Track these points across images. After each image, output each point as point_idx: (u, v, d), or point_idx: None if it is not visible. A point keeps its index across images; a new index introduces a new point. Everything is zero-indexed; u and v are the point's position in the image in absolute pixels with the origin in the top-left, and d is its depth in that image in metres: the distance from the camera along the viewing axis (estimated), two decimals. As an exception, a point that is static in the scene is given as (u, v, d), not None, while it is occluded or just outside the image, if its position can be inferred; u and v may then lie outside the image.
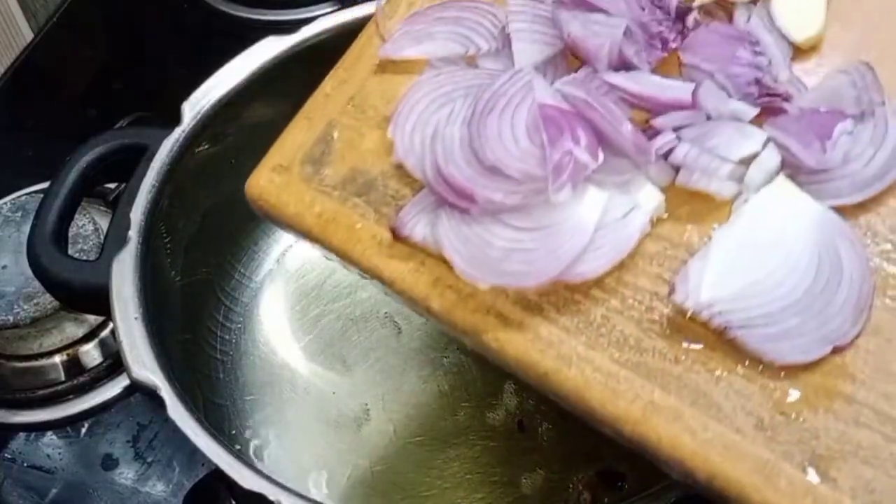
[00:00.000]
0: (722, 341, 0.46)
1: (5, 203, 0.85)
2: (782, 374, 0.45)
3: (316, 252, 0.82)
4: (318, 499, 0.59)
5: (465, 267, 0.48)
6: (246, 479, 0.54)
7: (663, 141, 0.49)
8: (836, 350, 0.45)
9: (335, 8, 0.78)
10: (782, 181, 0.48)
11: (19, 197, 0.85)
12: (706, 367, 0.45)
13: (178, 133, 0.69)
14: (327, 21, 0.75)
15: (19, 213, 0.83)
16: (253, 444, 0.72)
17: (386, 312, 0.79)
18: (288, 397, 0.75)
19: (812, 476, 0.43)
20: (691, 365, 0.46)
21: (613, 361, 0.46)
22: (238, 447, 0.71)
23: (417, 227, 0.50)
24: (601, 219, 0.48)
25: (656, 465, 0.47)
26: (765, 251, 0.47)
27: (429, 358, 0.76)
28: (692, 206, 0.49)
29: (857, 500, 0.42)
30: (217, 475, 0.55)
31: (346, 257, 0.53)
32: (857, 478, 0.42)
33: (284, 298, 0.80)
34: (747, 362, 0.45)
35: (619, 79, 0.51)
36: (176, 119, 0.70)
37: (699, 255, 0.47)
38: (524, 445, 0.71)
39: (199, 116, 0.71)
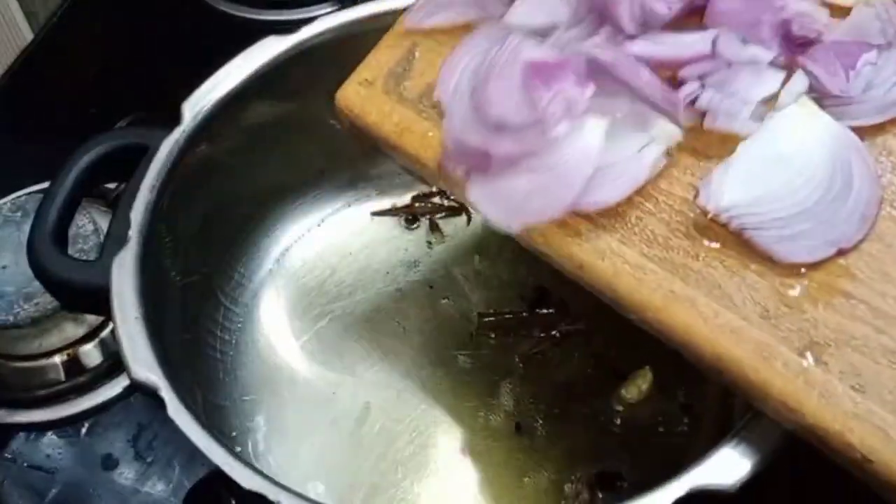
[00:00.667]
0: (738, 242, 0.51)
1: (5, 203, 0.85)
2: (790, 271, 0.50)
3: (316, 252, 0.83)
4: (318, 499, 0.59)
5: (497, 219, 0.54)
6: (246, 479, 0.54)
7: (689, 90, 0.54)
8: (841, 252, 0.50)
9: (335, 8, 0.78)
10: (805, 101, 0.53)
11: (19, 197, 0.85)
12: (723, 264, 0.51)
13: (178, 133, 0.69)
14: (327, 21, 0.75)
15: (19, 213, 0.83)
16: (253, 443, 0.72)
17: (387, 312, 0.79)
18: (288, 397, 0.75)
19: (807, 360, 0.48)
20: (710, 261, 0.51)
21: (642, 255, 0.52)
22: (238, 448, 0.71)
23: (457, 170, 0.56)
24: (618, 152, 0.53)
25: (672, 348, 0.52)
26: (783, 163, 0.52)
27: (429, 359, 0.76)
28: None
29: (844, 381, 0.47)
30: (217, 475, 0.55)
31: (416, 162, 0.59)
32: (847, 363, 0.47)
33: (284, 298, 0.80)
34: (759, 261, 0.51)
35: (640, 46, 0.56)
36: (176, 119, 0.70)
37: (723, 164, 0.53)
38: (524, 446, 0.71)
39: (199, 116, 0.71)
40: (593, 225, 0.54)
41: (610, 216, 0.54)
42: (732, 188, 0.51)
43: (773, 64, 0.55)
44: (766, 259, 0.50)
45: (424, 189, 0.84)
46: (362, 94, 0.62)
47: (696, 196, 0.52)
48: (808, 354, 0.48)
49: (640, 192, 0.54)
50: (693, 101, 0.54)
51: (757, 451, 0.53)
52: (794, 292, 0.50)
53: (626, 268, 0.52)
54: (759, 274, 0.50)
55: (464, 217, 0.84)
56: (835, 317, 0.49)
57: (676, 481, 0.52)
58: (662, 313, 0.51)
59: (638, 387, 0.73)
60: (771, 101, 0.54)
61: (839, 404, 0.47)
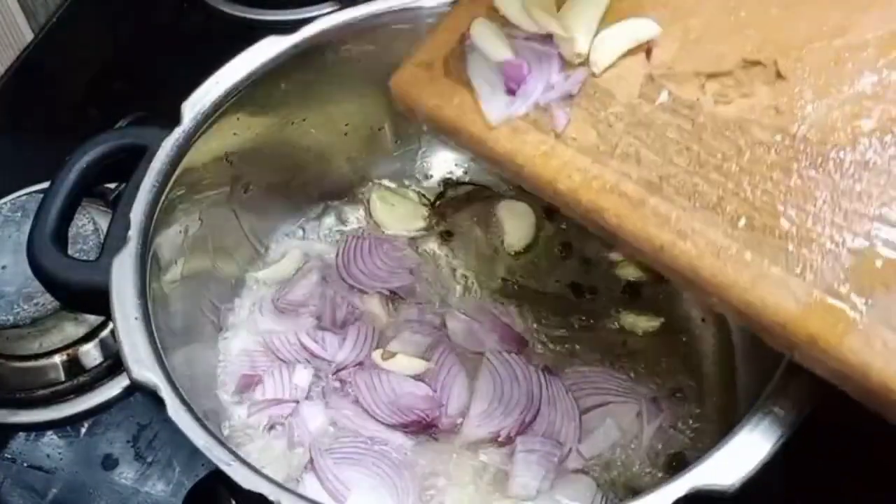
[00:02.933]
0: (832, 219, 0.50)
1: (5, 203, 0.85)
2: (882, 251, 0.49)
3: (315, 253, 0.82)
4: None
5: None
6: (246, 479, 0.54)
7: None
8: None
9: (335, 8, 0.78)
10: None
11: (19, 197, 0.85)
12: (817, 243, 0.50)
13: (178, 133, 0.69)
14: (327, 21, 0.75)
15: (19, 213, 0.83)
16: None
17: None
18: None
19: None
20: (803, 241, 0.50)
21: (726, 236, 0.51)
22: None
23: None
24: None
25: (754, 331, 0.51)
26: None
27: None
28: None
29: None
30: (217, 475, 0.55)
31: (480, 144, 0.58)
32: None
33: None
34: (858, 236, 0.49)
35: None
36: (176, 119, 0.70)
37: None
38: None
39: (199, 116, 0.70)
40: (673, 205, 0.53)
41: (690, 196, 0.53)
42: None
43: None
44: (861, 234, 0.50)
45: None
46: (421, 78, 0.61)
47: None
48: None
49: (721, 171, 0.53)
50: None
51: (756, 452, 0.53)
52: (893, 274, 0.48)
53: (710, 248, 0.51)
54: (854, 253, 0.49)
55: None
56: None
57: (676, 481, 0.52)
58: (749, 294, 0.50)
59: (635, 320, 0.75)
60: None
61: None
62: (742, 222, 0.51)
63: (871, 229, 0.49)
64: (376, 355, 0.73)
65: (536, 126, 0.57)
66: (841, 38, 0.54)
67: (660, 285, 0.78)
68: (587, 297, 0.78)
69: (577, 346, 0.75)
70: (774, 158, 0.52)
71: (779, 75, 0.54)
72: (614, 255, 0.80)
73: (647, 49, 0.58)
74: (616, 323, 0.76)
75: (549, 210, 0.82)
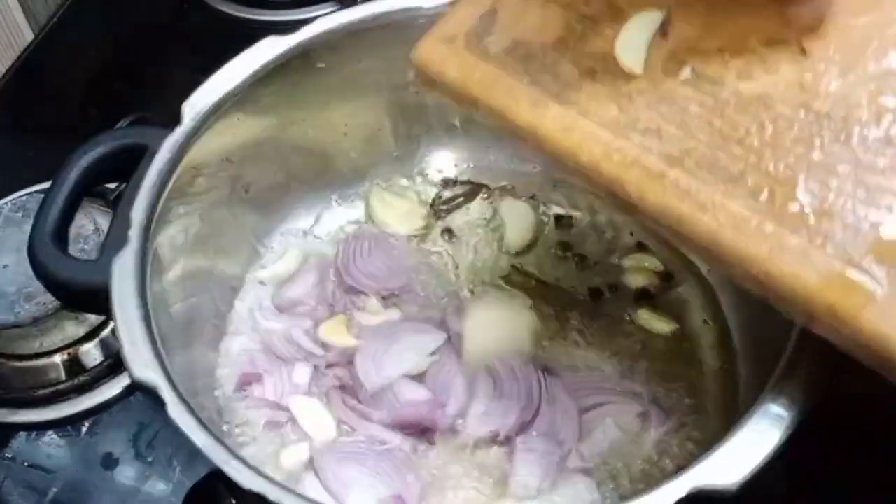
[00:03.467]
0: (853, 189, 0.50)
1: (6, 203, 0.85)
2: None
3: (314, 253, 0.82)
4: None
5: None
6: (246, 479, 0.54)
7: None
8: None
9: (335, 8, 0.78)
10: None
11: (20, 197, 0.86)
12: (839, 216, 0.50)
13: (178, 133, 0.69)
14: (327, 21, 0.75)
15: (20, 213, 0.83)
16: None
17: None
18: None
19: None
20: (824, 214, 0.50)
21: (747, 209, 0.52)
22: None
23: None
24: None
25: (774, 306, 0.52)
26: None
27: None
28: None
29: None
30: (217, 475, 0.55)
31: (503, 117, 0.59)
32: None
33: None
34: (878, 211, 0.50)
35: None
36: (176, 119, 0.70)
37: None
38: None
39: (199, 116, 0.70)
40: (694, 178, 0.53)
41: (711, 168, 0.53)
42: None
43: None
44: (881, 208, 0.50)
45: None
46: (442, 52, 0.61)
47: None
48: None
49: (742, 145, 0.53)
50: None
51: (757, 452, 0.53)
52: None
53: (730, 220, 0.52)
54: (875, 227, 0.49)
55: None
56: None
57: (676, 481, 0.52)
58: (769, 265, 0.50)
59: (649, 318, 0.75)
60: None
61: None
62: (763, 195, 0.52)
63: (893, 203, 0.50)
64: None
65: (558, 99, 0.57)
66: (867, 15, 0.54)
67: (666, 293, 0.78)
68: (590, 297, 0.78)
69: (577, 346, 0.75)
70: (797, 133, 0.52)
71: (803, 52, 0.54)
72: (625, 262, 0.80)
73: (663, 32, 0.58)
74: (627, 322, 0.76)
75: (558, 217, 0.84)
